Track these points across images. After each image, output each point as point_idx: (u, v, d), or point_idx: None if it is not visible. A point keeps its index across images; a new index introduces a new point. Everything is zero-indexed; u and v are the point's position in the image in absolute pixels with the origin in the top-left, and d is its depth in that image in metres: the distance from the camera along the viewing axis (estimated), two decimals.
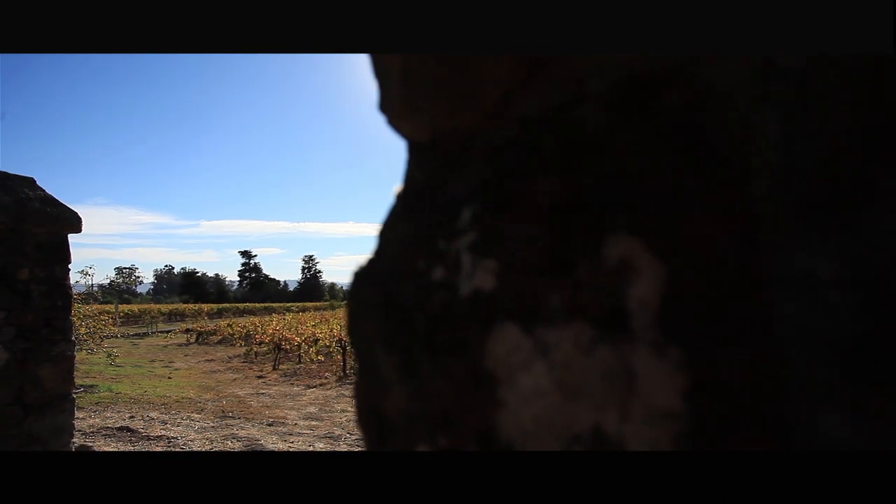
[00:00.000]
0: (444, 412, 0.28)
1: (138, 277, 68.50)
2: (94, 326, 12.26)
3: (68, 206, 4.12)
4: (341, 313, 32.11)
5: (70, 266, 4.04)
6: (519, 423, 0.26)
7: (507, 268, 0.27)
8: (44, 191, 4.06)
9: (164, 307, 45.12)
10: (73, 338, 4.01)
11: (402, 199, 0.34)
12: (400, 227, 0.32)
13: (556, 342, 0.26)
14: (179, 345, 20.99)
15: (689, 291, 0.24)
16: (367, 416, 0.32)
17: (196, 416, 8.09)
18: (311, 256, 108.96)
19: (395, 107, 0.34)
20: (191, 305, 49.63)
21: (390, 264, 0.32)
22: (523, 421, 0.26)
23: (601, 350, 0.26)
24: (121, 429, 6.97)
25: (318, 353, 14.08)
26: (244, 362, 15.36)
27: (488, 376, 0.27)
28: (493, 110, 0.30)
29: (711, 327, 0.24)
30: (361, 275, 0.33)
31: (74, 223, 4.09)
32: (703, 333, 0.24)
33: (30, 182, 4.04)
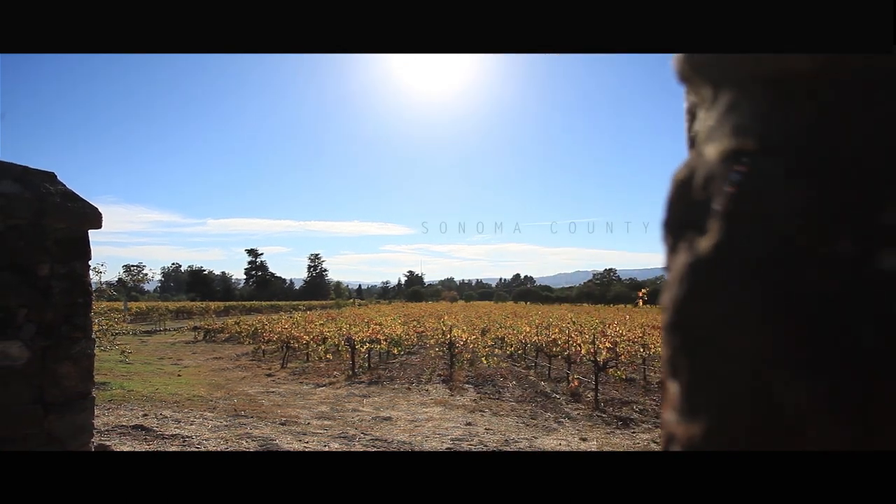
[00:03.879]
0: None
1: (146, 275, 68.93)
2: (107, 324, 12.29)
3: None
4: (348, 312, 31.96)
5: (90, 262, 3.97)
6: None
7: None
8: (64, 185, 3.99)
9: (172, 305, 45.44)
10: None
11: (782, 154, 0.24)
12: (784, 194, 0.23)
13: None
14: (187, 342, 21.08)
15: None
16: None
17: (209, 414, 8.04)
18: (317, 255, 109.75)
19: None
20: (198, 303, 50.00)
21: (777, 247, 0.22)
22: None
23: None
24: (135, 427, 6.93)
25: (326, 352, 14.04)
26: (252, 360, 15.36)
27: None
28: None
29: None
30: (713, 263, 0.23)
31: (94, 219, 4.02)
32: None
33: (50, 177, 3.97)
